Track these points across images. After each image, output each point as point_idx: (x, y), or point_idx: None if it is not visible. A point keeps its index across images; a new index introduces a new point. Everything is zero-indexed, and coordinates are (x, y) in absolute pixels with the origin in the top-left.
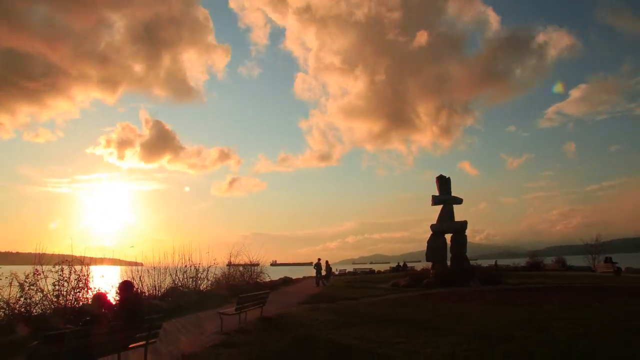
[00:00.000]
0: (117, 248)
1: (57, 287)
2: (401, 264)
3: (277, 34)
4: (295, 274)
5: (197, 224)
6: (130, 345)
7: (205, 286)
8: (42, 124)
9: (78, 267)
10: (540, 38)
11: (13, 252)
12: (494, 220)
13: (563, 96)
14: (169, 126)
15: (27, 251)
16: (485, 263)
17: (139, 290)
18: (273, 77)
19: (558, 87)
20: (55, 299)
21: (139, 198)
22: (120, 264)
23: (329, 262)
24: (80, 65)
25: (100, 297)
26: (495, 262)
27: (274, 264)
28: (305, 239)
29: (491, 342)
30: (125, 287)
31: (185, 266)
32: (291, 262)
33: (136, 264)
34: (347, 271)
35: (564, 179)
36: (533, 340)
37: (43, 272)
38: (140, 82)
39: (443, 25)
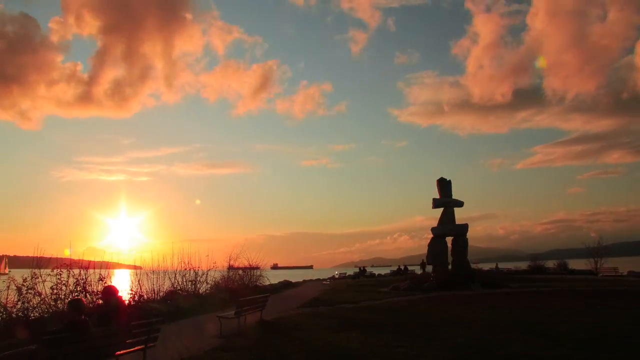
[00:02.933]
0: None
1: (55, 291)
2: (402, 267)
3: None
4: (296, 277)
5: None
6: (119, 352)
7: (204, 290)
8: None
9: (76, 271)
10: None
11: (11, 255)
12: None
13: None
14: None
15: (25, 254)
16: (486, 266)
17: (136, 295)
18: None
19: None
20: (53, 303)
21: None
22: (118, 268)
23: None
24: None
25: (78, 303)
26: (496, 265)
27: (274, 267)
28: (354, 236)
29: (493, 346)
30: (107, 292)
31: (185, 269)
32: (292, 265)
33: (135, 267)
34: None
35: None
36: (535, 344)
37: (41, 275)
38: None
39: None
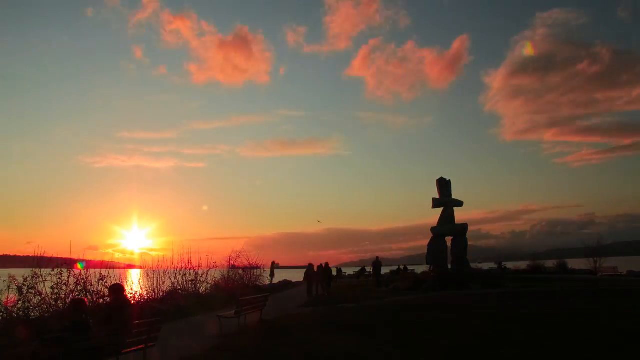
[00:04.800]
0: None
1: (55, 291)
2: (402, 267)
3: None
4: (297, 277)
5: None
6: (124, 350)
7: (204, 289)
8: None
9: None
10: None
11: (11, 254)
12: None
13: None
14: None
15: (25, 254)
16: (486, 266)
17: (137, 295)
18: None
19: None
20: (53, 303)
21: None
22: (118, 267)
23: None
24: None
25: (78, 303)
26: (500, 264)
27: (276, 267)
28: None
29: (493, 346)
30: (115, 290)
31: (185, 269)
32: (294, 264)
33: (135, 267)
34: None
35: None
36: (536, 344)
37: (42, 275)
38: None
39: None
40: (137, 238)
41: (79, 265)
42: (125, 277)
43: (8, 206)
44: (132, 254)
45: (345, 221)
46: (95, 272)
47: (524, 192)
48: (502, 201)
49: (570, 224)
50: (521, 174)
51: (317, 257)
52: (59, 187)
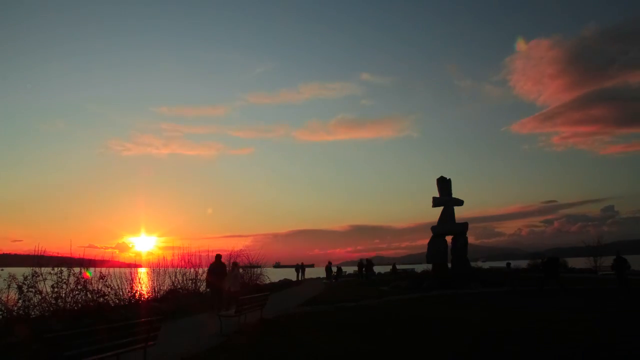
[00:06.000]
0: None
1: (55, 290)
2: (401, 266)
3: None
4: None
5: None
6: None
7: (204, 288)
8: None
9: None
10: None
11: (11, 253)
12: None
13: None
14: None
15: (25, 252)
16: (486, 265)
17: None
18: None
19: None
20: (54, 301)
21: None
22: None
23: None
24: None
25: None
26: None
27: (277, 265)
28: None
29: (492, 345)
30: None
31: (185, 268)
32: (294, 263)
33: (135, 265)
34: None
35: None
36: (535, 343)
37: (42, 273)
38: None
39: None
40: (148, 242)
41: (87, 273)
42: (127, 276)
43: (10, 205)
44: (133, 250)
45: (373, 217)
46: (95, 271)
47: (556, 185)
48: (537, 195)
49: (589, 221)
50: (559, 167)
51: (323, 256)
52: (75, 183)
